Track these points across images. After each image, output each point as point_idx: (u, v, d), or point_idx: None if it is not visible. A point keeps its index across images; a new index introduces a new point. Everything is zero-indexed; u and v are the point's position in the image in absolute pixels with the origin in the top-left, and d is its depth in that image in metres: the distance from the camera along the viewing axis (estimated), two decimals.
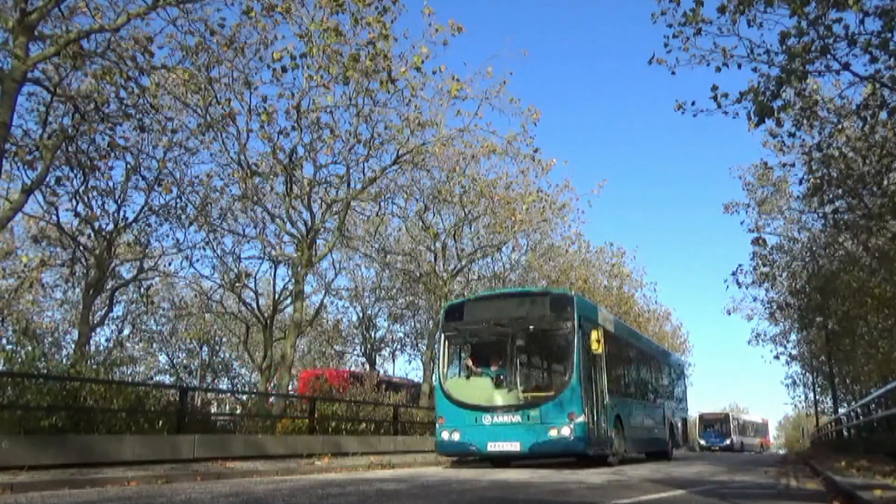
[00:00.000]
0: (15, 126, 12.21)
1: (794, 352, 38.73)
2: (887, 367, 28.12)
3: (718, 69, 11.45)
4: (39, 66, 12.00)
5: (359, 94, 15.69)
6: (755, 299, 31.46)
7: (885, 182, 15.98)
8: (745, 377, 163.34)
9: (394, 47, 14.11)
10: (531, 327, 11.88)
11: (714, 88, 11.26)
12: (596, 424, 11.70)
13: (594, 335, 11.35)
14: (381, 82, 14.33)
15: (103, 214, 18.12)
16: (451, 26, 14.80)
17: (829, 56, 10.60)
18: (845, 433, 21.44)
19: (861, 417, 16.86)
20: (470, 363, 12.67)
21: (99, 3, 12.14)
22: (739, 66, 11.40)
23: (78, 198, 16.96)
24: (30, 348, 12.10)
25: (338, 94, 15.76)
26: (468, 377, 12.39)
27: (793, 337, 36.70)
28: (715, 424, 49.57)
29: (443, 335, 12.83)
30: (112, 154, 15.71)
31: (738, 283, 26.66)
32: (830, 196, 18.07)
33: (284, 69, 13.94)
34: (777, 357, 37.10)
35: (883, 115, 12.27)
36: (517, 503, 5.31)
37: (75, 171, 15.86)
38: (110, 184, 17.59)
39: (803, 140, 16.54)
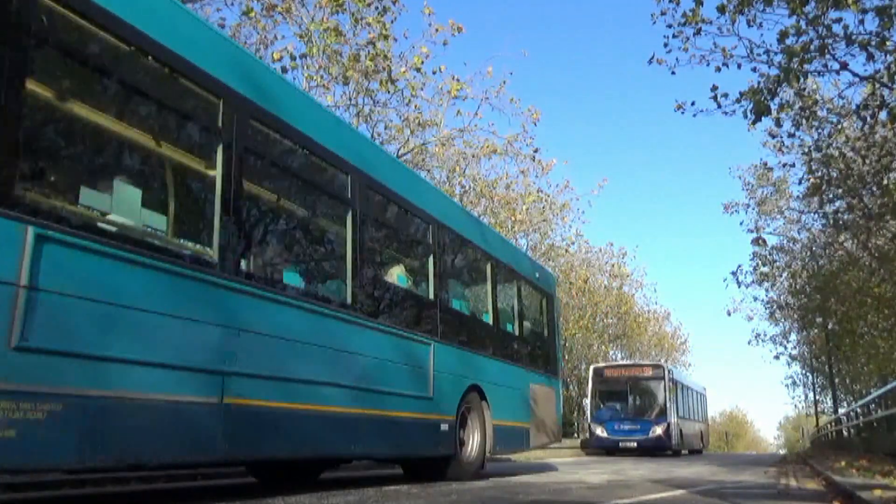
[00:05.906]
0: None
1: (794, 352, 38.81)
2: (887, 367, 28.16)
3: (718, 69, 11.49)
4: None
5: (359, 94, 15.69)
6: (755, 299, 31.55)
7: (885, 182, 15.99)
8: (745, 378, 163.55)
9: (394, 47, 14.13)
10: None
11: (714, 88, 11.29)
12: None
13: None
14: (381, 82, 14.33)
15: None
16: (451, 26, 14.84)
17: (827, 55, 10.63)
18: (845, 433, 21.47)
19: (861, 417, 16.89)
20: None
21: None
22: (739, 66, 11.45)
23: None
24: None
25: (338, 94, 15.77)
26: None
27: (793, 337, 36.81)
28: (627, 392, 23.41)
29: None
30: None
31: (737, 283, 26.79)
32: (830, 196, 18.11)
33: (284, 69, 13.94)
34: (777, 357, 37.21)
35: (882, 115, 12.28)
36: (518, 503, 5.31)
37: None
38: None
39: (803, 140, 16.59)
